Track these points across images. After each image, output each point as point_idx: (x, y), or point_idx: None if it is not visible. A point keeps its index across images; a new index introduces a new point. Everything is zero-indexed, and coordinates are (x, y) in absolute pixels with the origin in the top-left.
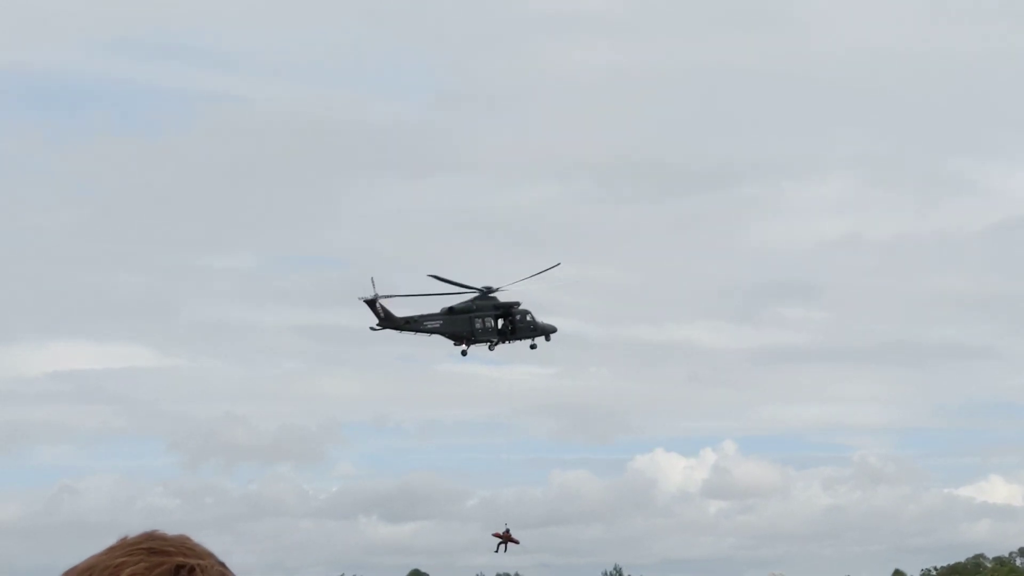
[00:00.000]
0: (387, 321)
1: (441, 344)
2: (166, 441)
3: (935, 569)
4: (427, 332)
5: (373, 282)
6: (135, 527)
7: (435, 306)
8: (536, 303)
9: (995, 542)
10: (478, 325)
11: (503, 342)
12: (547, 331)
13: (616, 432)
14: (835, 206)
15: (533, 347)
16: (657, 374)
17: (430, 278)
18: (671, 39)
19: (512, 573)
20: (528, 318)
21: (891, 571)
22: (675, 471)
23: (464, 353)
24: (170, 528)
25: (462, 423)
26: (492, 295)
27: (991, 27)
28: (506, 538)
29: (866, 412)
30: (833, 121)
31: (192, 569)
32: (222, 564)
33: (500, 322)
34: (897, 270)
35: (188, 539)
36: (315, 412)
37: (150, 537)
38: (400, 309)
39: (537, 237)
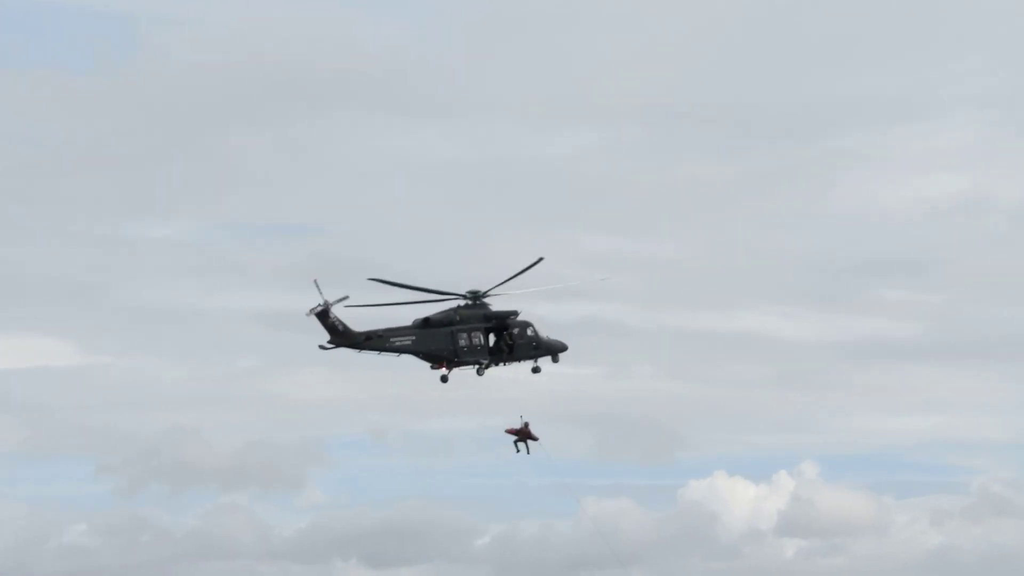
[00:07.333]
0: (342, 337)
1: None
2: (92, 463)
3: None
4: (395, 351)
5: (319, 286)
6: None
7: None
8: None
9: None
10: (463, 342)
11: (496, 364)
12: (555, 349)
13: (666, 450)
14: (952, 160)
15: (536, 371)
16: (720, 375)
17: (372, 282)
18: None
19: None
20: (529, 332)
21: None
22: (741, 501)
23: (444, 379)
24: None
25: (469, 437)
26: (481, 301)
27: None
28: (524, 434)
29: (988, 424)
30: (951, 52)
31: None
32: None
33: (492, 338)
34: None
35: None
36: (280, 424)
37: None
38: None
39: (570, 198)
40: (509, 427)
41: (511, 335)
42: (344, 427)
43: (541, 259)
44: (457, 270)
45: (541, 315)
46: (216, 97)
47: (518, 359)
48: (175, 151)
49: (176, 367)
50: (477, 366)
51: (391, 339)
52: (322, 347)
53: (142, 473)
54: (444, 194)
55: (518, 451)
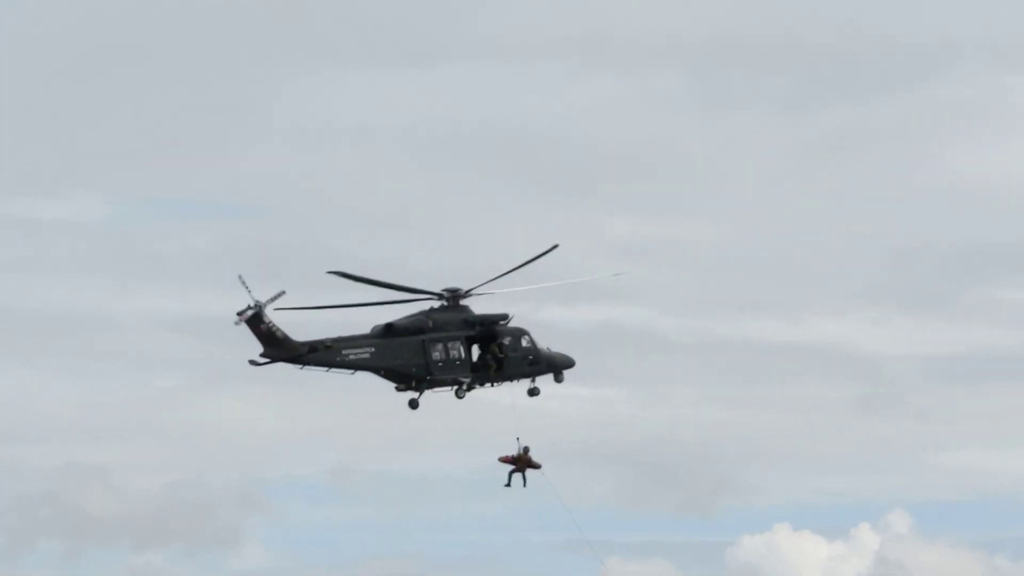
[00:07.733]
0: (280, 349)
1: None
2: None
3: None
4: (349, 367)
5: (245, 282)
6: None
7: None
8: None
9: None
10: (437, 355)
11: (481, 384)
12: (558, 365)
13: (712, 497)
14: None
15: (533, 393)
16: (783, 399)
17: (332, 275)
18: None
19: None
20: (524, 343)
21: None
22: (810, 563)
23: (414, 404)
24: None
25: (457, 480)
26: (462, 303)
27: None
28: (523, 463)
29: None
30: None
31: None
32: None
33: (475, 350)
34: None
35: None
36: (210, 461)
37: None
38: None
39: (587, 167)
40: (504, 455)
41: (500, 346)
42: (292, 466)
43: (556, 246)
44: (436, 261)
45: (545, 321)
46: (127, 38)
47: (509, 377)
48: (74, 109)
49: (73, 388)
50: (456, 386)
51: (343, 351)
52: (253, 362)
53: (28, 526)
54: (420, 164)
55: (509, 484)
